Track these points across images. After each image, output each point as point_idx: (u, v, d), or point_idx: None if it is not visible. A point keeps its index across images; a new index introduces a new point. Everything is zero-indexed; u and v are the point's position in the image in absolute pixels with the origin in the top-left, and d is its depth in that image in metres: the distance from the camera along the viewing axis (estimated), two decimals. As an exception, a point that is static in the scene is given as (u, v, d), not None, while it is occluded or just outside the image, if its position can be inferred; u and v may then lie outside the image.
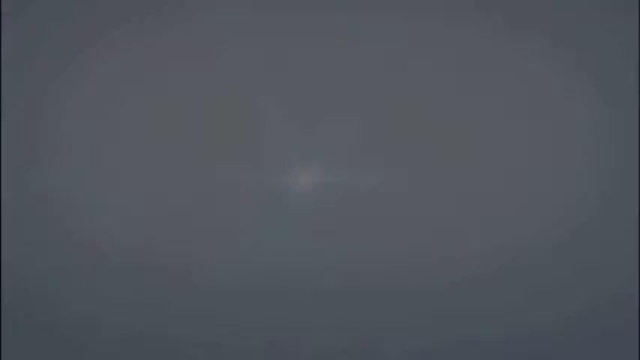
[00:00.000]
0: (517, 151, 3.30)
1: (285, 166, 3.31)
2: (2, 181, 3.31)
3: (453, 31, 3.30)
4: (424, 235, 3.29)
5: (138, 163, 3.33)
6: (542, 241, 3.29)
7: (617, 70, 3.30)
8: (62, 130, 3.34)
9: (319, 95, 3.32)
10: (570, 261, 3.28)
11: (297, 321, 3.32)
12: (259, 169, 3.31)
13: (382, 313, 3.31)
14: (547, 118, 3.30)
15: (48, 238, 3.33)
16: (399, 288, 3.30)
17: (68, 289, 3.34)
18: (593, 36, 3.30)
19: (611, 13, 3.29)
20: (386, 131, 3.32)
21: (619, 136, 3.28)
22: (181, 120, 3.34)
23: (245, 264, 3.32)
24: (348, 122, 3.32)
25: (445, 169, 3.29)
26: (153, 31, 3.35)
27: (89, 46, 3.35)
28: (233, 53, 3.32)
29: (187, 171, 3.33)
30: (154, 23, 3.35)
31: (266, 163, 3.32)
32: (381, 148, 3.31)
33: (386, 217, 3.30)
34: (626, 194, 3.27)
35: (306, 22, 3.33)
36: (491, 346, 3.25)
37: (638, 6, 3.29)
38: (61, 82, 3.35)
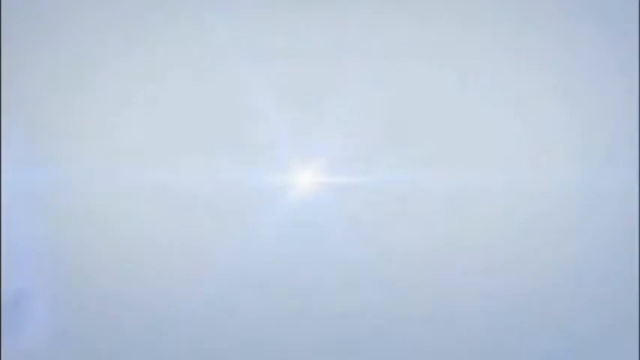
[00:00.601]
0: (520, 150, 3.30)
1: (284, 166, 3.31)
2: (2, 181, 3.30)
3: (453, 30, 3.30)
4: (426, 234, 3.29)
5: (137, 162, 3.33)
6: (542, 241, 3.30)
7: (616, 69, 3.30)
8: (63, 129, 3.34)
9: (320, 94, 3.32)
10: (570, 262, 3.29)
11: (297, 321, 3.33)
12: (258, 169, 3.31)
13: (382, 312, 3.32)
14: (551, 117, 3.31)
15: (48, 237, 3.33)
16: (400, 286, 3.30)
17: (68, 290, 3.34)
18: (593, 35, 3.30)
19: (612, 13, 3.30)
20: (388, 131, 3.32)
21: (619, 137, 3.29)
22: (181, 120, 3.34)
23: (245, 263, 3.32)
24: (350, 121, 3.32)
25: (448, 169, 3.29)
26: (153, 30, 3.34)
27: (90, 46, 3.35)
28: (233, 52, 3.32)
29: (187, 171, 3.32)
30: (154, 22, 3.35)
31: (265, 163, 3.31)
32: (383, 147, 3.31)
33: (388, 216, 3.30)
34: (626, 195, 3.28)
35: (307, 20, 3.32)
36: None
37: (638, 6, 3.30)
38: (61, 81, 3.35)
